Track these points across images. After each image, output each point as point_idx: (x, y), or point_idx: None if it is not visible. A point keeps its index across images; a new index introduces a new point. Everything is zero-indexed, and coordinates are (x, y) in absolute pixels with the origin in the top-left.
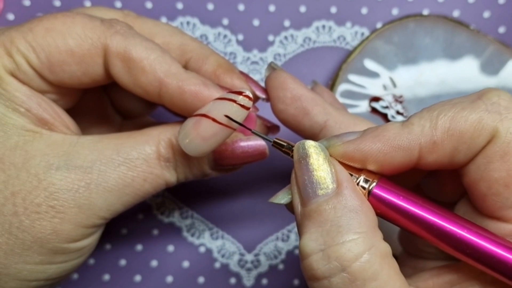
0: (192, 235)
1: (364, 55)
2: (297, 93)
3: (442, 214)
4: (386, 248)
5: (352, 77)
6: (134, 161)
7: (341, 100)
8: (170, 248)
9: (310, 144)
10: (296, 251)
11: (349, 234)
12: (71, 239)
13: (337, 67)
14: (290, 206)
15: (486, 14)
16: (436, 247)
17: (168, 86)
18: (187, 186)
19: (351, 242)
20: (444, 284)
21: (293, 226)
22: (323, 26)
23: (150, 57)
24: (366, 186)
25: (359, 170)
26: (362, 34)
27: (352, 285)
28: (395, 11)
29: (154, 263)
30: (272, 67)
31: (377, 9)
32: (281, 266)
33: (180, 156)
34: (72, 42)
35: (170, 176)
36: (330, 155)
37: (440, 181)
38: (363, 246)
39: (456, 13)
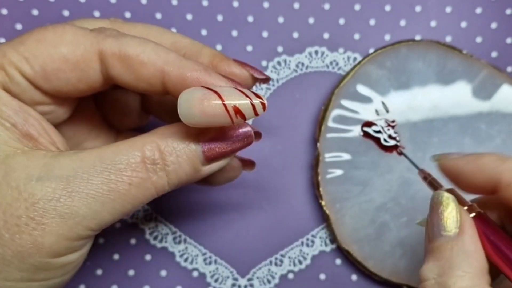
0: (185, 260)
1: (357, 80)
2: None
3: None
4: None
5: (345, 102)
6: (117, 165)
7: (334, 125)
8: (163, 273)
9: (444, 195)
10: (289, 276)
11: (458, 271)
12: (54, 253)
13: (329, 92)
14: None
15: (479, 39)
16: None
17: (170, 74)
18: (181, 209)
19: (458, 277)
20: None
21: (286, 251)
22: (316, 52)
23: (146, 50)
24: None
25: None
26: (355, 59)
27: None
28: (387, 37)
29: None
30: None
31: (369, 35)
32: None
33: (169, 155)
34: (65, 50)
35: (158, 178)
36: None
37: None
38: (467, 283)
39: (448, 39)
